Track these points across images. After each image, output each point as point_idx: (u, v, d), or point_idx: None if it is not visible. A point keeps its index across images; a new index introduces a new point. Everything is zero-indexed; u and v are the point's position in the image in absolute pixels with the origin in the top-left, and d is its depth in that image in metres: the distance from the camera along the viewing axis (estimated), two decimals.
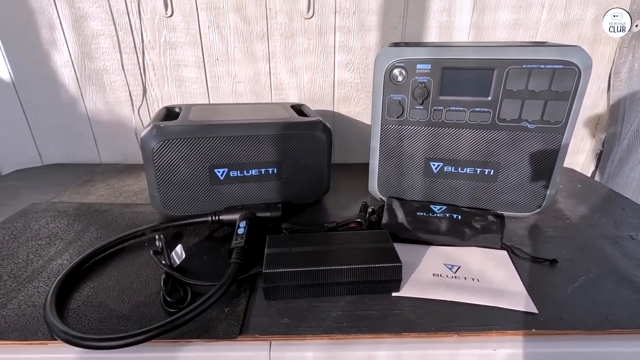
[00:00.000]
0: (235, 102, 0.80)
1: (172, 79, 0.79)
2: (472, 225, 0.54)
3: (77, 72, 0.77)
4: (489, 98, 0.52)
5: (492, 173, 0.56)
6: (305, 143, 0.57)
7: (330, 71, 0.78)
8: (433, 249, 0.51)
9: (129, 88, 0.79)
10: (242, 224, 0.51)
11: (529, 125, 0.52)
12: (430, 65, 0.52)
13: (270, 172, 0.57)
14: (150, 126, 0.52)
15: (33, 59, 0.75)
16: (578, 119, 0.51)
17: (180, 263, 0.47)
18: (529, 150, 0.53)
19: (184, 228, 0.56)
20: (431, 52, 0.52)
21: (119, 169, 0.81)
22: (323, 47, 0.76)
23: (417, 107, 0.55)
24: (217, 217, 0.55)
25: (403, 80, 0.54)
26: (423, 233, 0.52)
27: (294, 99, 0.81)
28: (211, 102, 0.81)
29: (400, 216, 0.55)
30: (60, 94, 0.79)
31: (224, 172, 0.55)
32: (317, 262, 0.41)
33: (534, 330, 0.38)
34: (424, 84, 0.53)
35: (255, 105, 0.72)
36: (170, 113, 0.64)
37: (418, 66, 0.52)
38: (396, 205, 0.58)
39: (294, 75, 0.79)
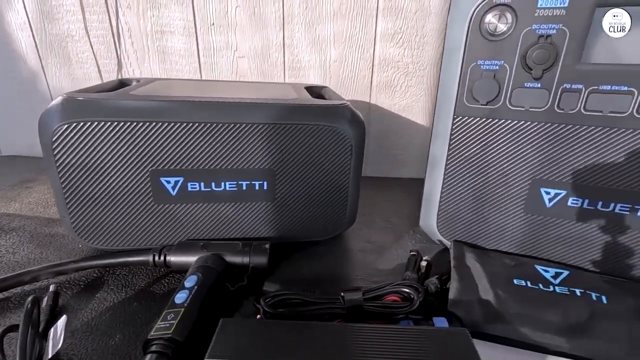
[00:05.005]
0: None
1: (154, 51, 0.58)
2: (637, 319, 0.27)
3: (35, 37, 0.59)
4: None
5: None
6: (319, 141, 0.33)
7: (370, 44, 0.55)
8: None
9: (97, 62, 0.60)
10: (190, 280, 0.28)
11: None
12: (567, 1, 0.27)
13: (257, 187, 0.34)
14: (60, 98, 0.31)
15: None
16: None
17: (58, 353, 0.24)
18: None
19: (108, 272, 0.34)
20: None
21: None
22: (361, 9, 0.53)
23: (529, 84, 0.29)
24: (161, 257, 0.32)
25: (507, 31, 0.29)
26: (533, 330, 0.27)
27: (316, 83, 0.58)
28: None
29: (483, 286, 0.30)
30: (18, 66, 0.61)
31: (177, 183, 0.33)
32: None
33: None
34: (549, 39, 0.28)
35: (253, 84, 0.49)
36: (122, 87, 0.43)
37: (540, 2, 0.27)
38: (472, 262, 0.33)
39: (317, 50, 0.56)
